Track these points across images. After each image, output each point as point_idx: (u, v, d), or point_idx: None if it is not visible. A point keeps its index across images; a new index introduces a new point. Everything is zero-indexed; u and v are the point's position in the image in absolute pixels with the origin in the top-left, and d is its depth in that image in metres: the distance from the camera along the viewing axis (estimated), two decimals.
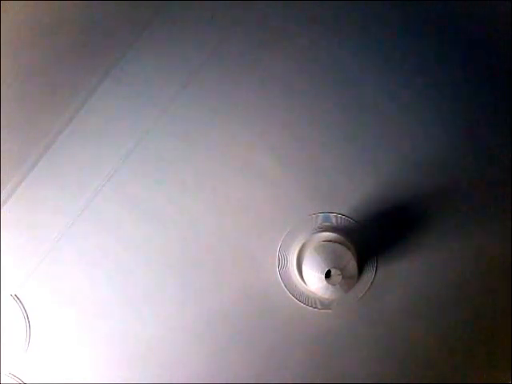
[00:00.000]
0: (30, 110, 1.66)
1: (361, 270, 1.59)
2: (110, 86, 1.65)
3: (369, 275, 1.66)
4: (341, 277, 1.48)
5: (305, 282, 1.58)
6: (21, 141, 1.66)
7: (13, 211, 1.67)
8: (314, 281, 1.50)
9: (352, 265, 1.50)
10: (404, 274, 1.68)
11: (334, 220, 1.66)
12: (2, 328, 1.66)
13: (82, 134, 1.66)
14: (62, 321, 1.68)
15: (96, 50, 1.65)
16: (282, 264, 1.67)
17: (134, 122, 1.66)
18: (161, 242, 1.68)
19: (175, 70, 1.65)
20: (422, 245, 1.67)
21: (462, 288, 1.68)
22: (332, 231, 1.62)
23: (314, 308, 1.68)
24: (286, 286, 1.67)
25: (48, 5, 1.65)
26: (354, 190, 1.66)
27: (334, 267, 1.48)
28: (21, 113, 1.66)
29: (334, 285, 1.48)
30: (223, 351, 1.70)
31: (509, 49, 1.65)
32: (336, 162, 1.66)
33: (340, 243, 1.54)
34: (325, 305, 1.68)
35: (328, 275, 1.48)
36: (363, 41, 1.64)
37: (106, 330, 1.69)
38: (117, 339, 1.69)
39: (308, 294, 1.66)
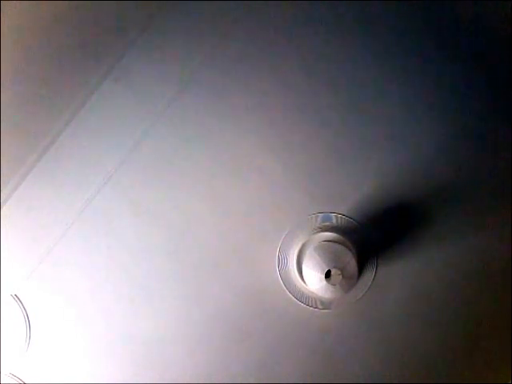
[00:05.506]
0: (29, 110, 1.66)
1: (361, 270, 1.59)
2: (109, 85, 1.65)
3: (369, 275, 1.66)
4: (341, 277, 1.48)
5: (305, 282, 1.58)
6: (21, 141, 1.66)
7: (13, 211, 1.67)
8: (314, 281, 1.50)
9: (352, 265, 1.50)
10: (404, 274, 1.68)
11: (334, 220, 1.66)
12: (2, 328, 1.66)
13: (81, 134, 1.66)
14: (62, 321, 1.68)
15: (96, 49, 1.65)
16: (282, 264, 1.67)
17: (133, 122, 1.66)
18: (161, 242, 1.68)
19: (175, 70, 1.65)
20: (422, 245, 1.67)
21: (462, 288, 1.68)
22: (332, 231, 1.61)
23: (314, 308, 1.68)
24: (285, 285, 1.67)
25: (48, 5, 1.64)
26: (354, 190, 1.66)
27: (334, 267, 1.48)
28: (21, 113, 1.66)
29: (333, 285, 1.48)
30: (223, 351, 1.70)
31: (509, 49, 1.65)
32: (336, 161, 1.66)
33: (340, 243, 1.53)
34: (325, 305, 1.68)
35: (328, 275, 1.48)
36: (363, 41, 1.64)
37: (106, 329, 1.69)
38: (117, 339, 1.69)
39: (308, 294, 1.66)
